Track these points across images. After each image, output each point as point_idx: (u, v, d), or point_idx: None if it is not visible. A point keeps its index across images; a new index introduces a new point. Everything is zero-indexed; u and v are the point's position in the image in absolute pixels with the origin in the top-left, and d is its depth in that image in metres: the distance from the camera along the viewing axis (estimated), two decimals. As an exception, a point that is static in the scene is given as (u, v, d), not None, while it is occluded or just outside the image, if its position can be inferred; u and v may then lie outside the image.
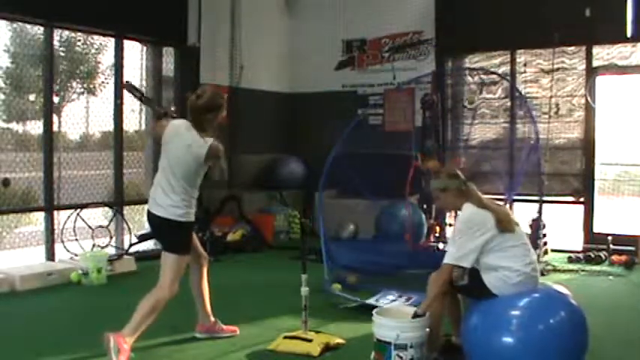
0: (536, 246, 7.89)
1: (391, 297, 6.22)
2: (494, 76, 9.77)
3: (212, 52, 9.96)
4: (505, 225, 4.39)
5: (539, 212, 7.30)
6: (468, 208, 4.48)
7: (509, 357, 4.14)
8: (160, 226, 4.87)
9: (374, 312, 4.53)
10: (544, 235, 7.99)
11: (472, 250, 4.35)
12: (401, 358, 4.27)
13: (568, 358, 4.20)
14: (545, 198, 8.50)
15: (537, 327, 4.13)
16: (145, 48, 9.17)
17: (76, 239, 7.99)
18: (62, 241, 7.89)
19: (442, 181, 4.65)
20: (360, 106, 10.67)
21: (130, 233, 8.55)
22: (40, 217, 8.00)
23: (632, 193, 9.72)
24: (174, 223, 4.79)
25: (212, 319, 5.32)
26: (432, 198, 4.84)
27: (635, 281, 7.67)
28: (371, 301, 6.11)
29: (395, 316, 4.49)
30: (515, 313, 4.23)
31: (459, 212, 4.60)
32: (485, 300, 4.41)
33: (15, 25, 7.65)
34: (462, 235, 4.41)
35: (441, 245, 8.41)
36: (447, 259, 4.42)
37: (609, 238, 8.76)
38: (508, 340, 4.12)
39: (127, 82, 5.01)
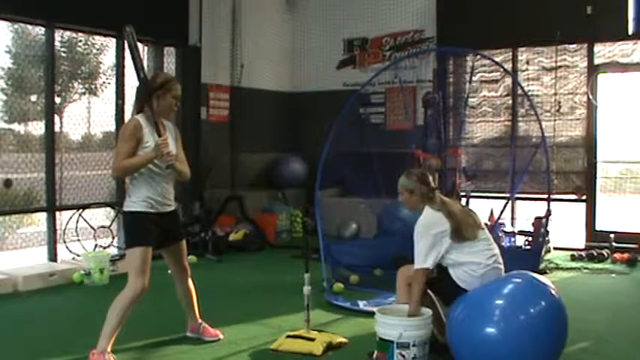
0: (538, 244, 7.92)
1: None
2: (496, 73, 9.78)
3: (213, 52, 9.97)
4: (463, 234, 4.56)
5: (548, 211, 7.31)
6: (427, 212, 4.67)
7: (493, 348, 4.15)
8: None
9: (376, 310, 4.54)
10: (547, 233, 7.98)
11: (434, 252, 4.53)
12: (403, 356, 4.27)
13: (548, 348, 4.23)
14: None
15: (519, 317, 4.17)
16: (146, 48, 9.17)
17: (79, 239, 8.00)
18: (64, 242, 7.90)
19: (412, 183, 4.77)
20: (361, 104, 10.67)
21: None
22: (42, 217, 8.00)
23: (635, 191, 9.71)
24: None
25: (198, 321, 5.30)
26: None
27: (638, 279, 7.66)
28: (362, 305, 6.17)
29: (397, 315, 4.49)
30: (497, 302, 4.28)
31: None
32: (452, 293, 4.55)
33: (16, 26, 7.65)
34: (422, 237, 4.56)
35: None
36: (416, 265, 4.55)
37: (612, 235, 8.77)
38: (491, 330, 4.15)
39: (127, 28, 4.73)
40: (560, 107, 9.43)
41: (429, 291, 4.76)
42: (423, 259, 4.51)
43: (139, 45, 4.90)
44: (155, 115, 4.70)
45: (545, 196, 7.59)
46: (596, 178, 9.40)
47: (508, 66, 9.59)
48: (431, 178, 4.83)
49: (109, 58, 8.69)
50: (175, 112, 5.04)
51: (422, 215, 4.67)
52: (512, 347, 4.11)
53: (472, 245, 4.57)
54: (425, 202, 4.71)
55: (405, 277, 4.76)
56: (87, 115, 8.52)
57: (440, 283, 4.65)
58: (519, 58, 9.77)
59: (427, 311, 4.53)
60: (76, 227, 8.03)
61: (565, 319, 4.29)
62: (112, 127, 8.63)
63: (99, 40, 8.60)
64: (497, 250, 4.69)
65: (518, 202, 9.48)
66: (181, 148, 5.00)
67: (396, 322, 4.35)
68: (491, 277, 4.51)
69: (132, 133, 4.65)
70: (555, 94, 9.45)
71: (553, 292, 4.35)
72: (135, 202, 4.74)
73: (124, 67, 8.56)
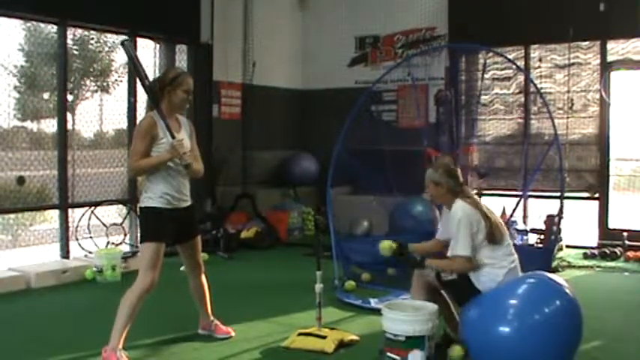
0: (550, 242, 7.89)
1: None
2: (508, 71, 9.75)
3: (225, 50, 9.97)
4: (494, 237, 4.52)
5: (561, 210, 7.29)
6: (463, 205, 4.58)
7: (507, 346, 4.15)
8: None
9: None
10: (559, 231, 7.96)
11: (472, 241, 4.48)
12: None
13: (563, 347, 4.21)
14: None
15: (534, 317, 4.15)
16: (157, 46, 9.19)
17: (91, 237, 8.03)
18: (77, 239, 7.93)
19: (438, 176, 4.71)
20: (373, 102, 10.66)
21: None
22: (54, 214, 8.04)
23: (648, 189, 9.66)
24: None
25: (210, 318, 5.30)
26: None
27: (651, 277, 7.63)
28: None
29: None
30: (512, 302, 4.26)
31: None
32: (468, 295, 4.51)
33: (29, 24, 7.67)
34: (464, 226, 4.49)
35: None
36: (459, 252, 4.48)
37: (625, 234, 8.72)
38: (505, 329, 4.14)
39: (125, 42, 4.98)
40: (572, 105, 9.39)
41: (443, 292, 4.76)
42: (464, 246, 4.46)
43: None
44: (168, 113, 4.73)
45: (558, 194, 7.56)
46: (609, 175, 9.35)
47: (520, 63, 9.55)
48: (459, 172, 4.77)
49: (120, 56, 8.71)
50: (187, 108, 5.06)
51: (458, 206, 4.58)
52: (527, 347, 4.10)
53: (495, 249, 4.52)
54: (453, 196, 4.65)
55: (423, 277, 4.74)
56: (99, 113, 8.54)
57: (457, 286, 4.62)
58: (532, 55, 9.73)
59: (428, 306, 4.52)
60: (88, 224, 8.06)
61: (580, 318, 4.25)
62: (124, 125, 8.65)
63: (111, 37, 8.62)
64: (515, 255, 4.65)
65: (530, 200, 9.46)
66: (196, 144, 5.02)
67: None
68: (510, 279, 4.50)
69: (147, 130, 4.67)
70: (568, 91, 9.41)
71: (568, 291, 4.32)
72: (151, 198, 4.76)
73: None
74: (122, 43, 4.94)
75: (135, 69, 4.88)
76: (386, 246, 4.94)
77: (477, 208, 4.57)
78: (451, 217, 4.60)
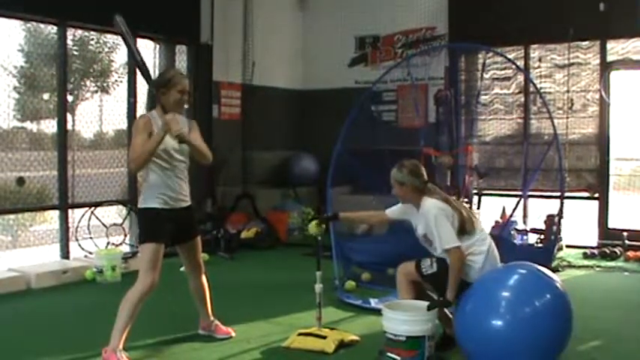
0: (550, 242, 7.89)
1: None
2: (508, 71, 9.75)
3: (225, 50, 9.97)
4: (465, 228, 4.61)
5: (561, 210, 7.29)
6: (434, 201, 4.67)
7: (499, 339, 4.17)
8: None
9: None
10: (559, 231, 7.96)
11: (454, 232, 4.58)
12: None
13: (555, 340, 4.22)
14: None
15: (525, 310, 4.18)
16: (157, 46, 9.19)
17: (91, 237, 8.03)
18: (77, 239, 7.93)
19: (403, 176, 4.77)
20: (373, 102, 10.66)
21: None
22: (54, 215, 8.03)
23: (648, 189, 9.67)
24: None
25: (210, 318, 5.31)
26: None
27: (651, 277, 7.63)
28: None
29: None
30: (504, 295, 4.30)
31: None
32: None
33: (29, 25, 7.67)
34: (444, 219, 4.57)
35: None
36: (450, 245, 4.51)
37: (624, 233, 8.72)
38: (497, 323, 4.17)
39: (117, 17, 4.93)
40: (572, 105, 9.39)
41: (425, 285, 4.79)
42: (453, 238, 4.52)
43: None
44: (165, 109, 4.74)
45: (558, 193, 7.55)
46: (608, 175, 9.36)
47: (520, 63, 9.55)
48: (423, 171, 4.83)
49: (120, 57, 8.72)
50: (186, 108, 5.06)
51: (429, 203, 4.65)
52: (517, 339, 4.13)
53: (468, 239, 4.59)
54: (419, 194, 4.73)
55: (405, 274, 4.78)
56: (99, 113, 8.55)
57: (439, 278, 4.61)
58: (531, 55, 9.74)
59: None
60: (89, 225, 8.06)
61: (569, 310, 4.28)
62: (124, 125, 8.64)
63: (111, 38, 8.62)
64: (489, 238, 4.73)
65: (530, 199, 9.46)
66: (200, 138, 5.00)
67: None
68: (489, 266, 4.57)
69: (144, 126, 4.68)
70: (568, 91, 9.41)
71: (557, 284, 4.36)
72: (148, 199, 4.77)
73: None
74: (114, 18, 4.85)
75: (126, 44, 4.88)
76: (313, 228, 5.24)
77: (447, 203, 4.66)
78: (425, 216, 4.67)
